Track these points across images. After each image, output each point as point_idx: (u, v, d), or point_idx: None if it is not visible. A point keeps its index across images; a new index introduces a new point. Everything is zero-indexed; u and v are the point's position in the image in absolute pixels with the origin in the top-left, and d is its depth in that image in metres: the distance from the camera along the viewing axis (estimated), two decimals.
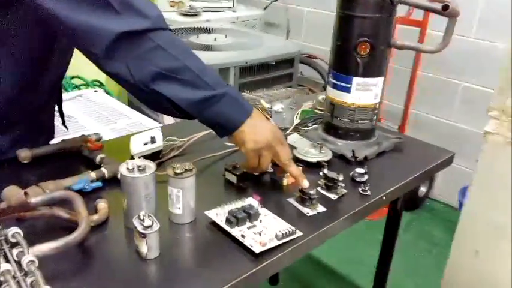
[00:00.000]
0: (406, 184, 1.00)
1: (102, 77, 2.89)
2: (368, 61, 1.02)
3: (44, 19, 0.77)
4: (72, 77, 2.77)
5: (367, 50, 1.01)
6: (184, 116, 0.83)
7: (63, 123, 1.17)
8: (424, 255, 2.08)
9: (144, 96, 0.81)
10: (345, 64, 1.05)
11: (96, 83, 2.90)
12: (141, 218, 0.68)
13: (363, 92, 1.05)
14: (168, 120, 1.90)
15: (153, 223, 0.68)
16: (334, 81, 1.08)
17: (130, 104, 2.20)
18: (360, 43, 1.00)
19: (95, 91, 2.32)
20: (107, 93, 2.81)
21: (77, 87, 2.81)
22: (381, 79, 1.06)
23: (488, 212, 1.03)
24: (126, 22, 0.75)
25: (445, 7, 0.87)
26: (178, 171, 0.76)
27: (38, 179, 0.83)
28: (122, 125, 1.90)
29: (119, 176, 0.75)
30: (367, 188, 0.92)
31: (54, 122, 1.15)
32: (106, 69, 0.79)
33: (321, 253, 2.04)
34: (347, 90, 1.06)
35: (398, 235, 1.26)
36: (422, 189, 2.39)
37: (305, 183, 0.86)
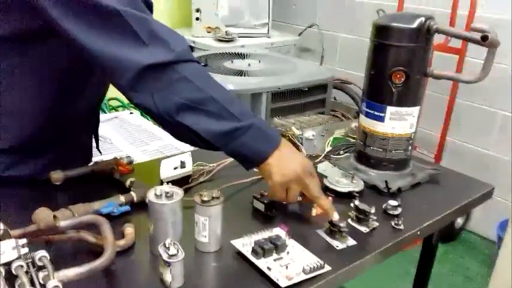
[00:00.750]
0: (442, 219, 0.95)
1: None
2: (403, 90, 1.00)
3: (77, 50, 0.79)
4: (110, 99, 2.86)
5: (402, 79, 0.98)
6: (210, 148, 0.82)
7: (97, 146, 1.20)
8: None
9: (170, 127, 0.81)
10: (378, 93, 1.03)
11: (132, 105, 2.97)
12: (167, 245, 0.67)
13: (397, 122, 1.03)
14: None
15: (178, 251, 0.67)
16: (367, 109, 1.06)
17: None
18: (394, 72, 0.98)
19: (131, 113, 2.38)
20: (142, 115, 2.88)
21: (114, 108, 2.90)
22: (416, 109, 1.03)
23: None
24: (152, 54, 0.75)
25: (485, 38, 0.84)
26: (206, 198, 0.75)
27: (70, 201, 0.85)
28: (154, 147, 1.93)
29: (147, 200, 0.74)
30: (400, 222, 0.89)
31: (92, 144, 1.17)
32: (132, 100, 0.79)
33: (349, 283, 1.96)
34: (381, 119, 1.03)
35: (431, 270, 1.20)
36: (459, 221, 2.30)
37: (335, 216, 0.83)
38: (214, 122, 0.78)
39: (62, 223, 0.70)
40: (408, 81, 0.99)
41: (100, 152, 1.24)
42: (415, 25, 0.96)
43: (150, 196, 0.73)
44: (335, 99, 2.77)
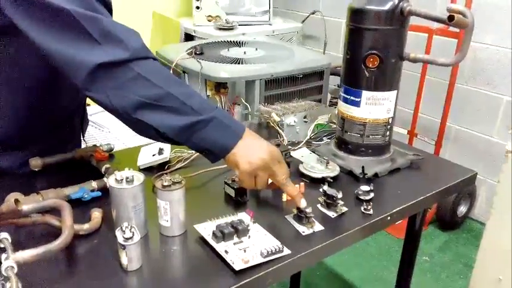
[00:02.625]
0: (416, 204, 0.94)
1: None
2: (378, 74, 0.99)
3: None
4: None
5: (376, 63, 0.97)
6: (173, 142, 0.82)
7: (83, 134, 1.22)
8: (459, 278, 1.95)
9: (129, 124, 0.80)
10: (354, 77, 1.02)
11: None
12: (123, 229, 0.69)
13: (373, 107, 1.01)
14: None
15: (133, 234, 0.68)
16: (345, 95, 1.05)
17: None
18: (368, 56, 0.97)
19: None
20: None
21: None
22: (393, 93, 1.02)
23: (509, 238, 0.95)
24: (106, 52, 0.75)
25: (450, 17, 0.82)
26: (166, 183, 0.76)
27: (47, 187, 0.87)
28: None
29: (107, 185, 0.76)
30: (369, 207, 0.88)
31: (87, 132, 1.19)
32: (89, 97, 0.80)
33: (346, 269, 1.98)
34: (357, 104, 1.02)
35: (416, 255, 1.18)
36: (462, 209, 2.26)
37: (302, 203, 0.83)
38: (174, 117, 0.77)
39: (24, 207, 0.72)
40: (383, 65, 0.98)
41: (85, 141, 1.25)
42: (387, 7, 0.94)
43: (111, 181, 0.74)
44: (338, 86, 2.75)
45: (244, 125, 0.85)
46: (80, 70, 0.75)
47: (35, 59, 0.88)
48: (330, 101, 2.56)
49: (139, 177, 0.76)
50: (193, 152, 1.08)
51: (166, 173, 0.99)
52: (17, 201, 0.71)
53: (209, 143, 0.80)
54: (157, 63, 0.82)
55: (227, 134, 0.81)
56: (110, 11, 0.85)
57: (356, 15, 0.98)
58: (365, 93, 1.00)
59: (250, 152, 0.82)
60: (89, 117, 1.24)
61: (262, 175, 0.83)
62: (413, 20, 0.98)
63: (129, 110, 0.77)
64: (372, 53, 0.96)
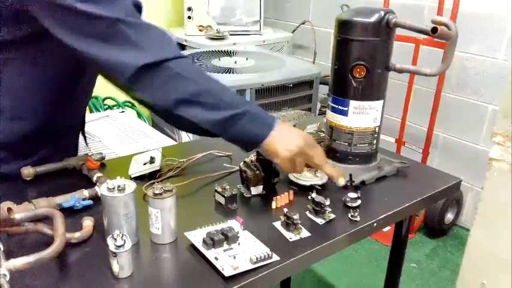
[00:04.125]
0: (402, 211, 0.97)
1: None
2: (364, 84, 1.01)
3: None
4: (105, 98, 2.90)
5: (363, 73, 1.00)
6: (211, 135, 0.88)
7: (86, 143, 1.24)
8: (447, 285, 1.98)
9: (170, 119, 0.88)
10: (342, 87, 1.04)
11: (128, 104, 3.02)
12: (115, 237, 0.70)
13: (360, 116, 1.04)
14: (186, 138, 1.94)
15: (125, 242, 0.70)
16: (333, 104, 1.07)
17: (154, 124, 2.27)
18: (355, 66, 1.00)
19: (122, 111, 2.41)
20: (139, 114, 2.92)
21: (110, 107, 2.94)
22: (379, 103, 1.04)
23: (492, 243, 0.97)
24: (146, 54, 0.81)
25: (434, 29, 0.85)
26: (157, 191, 0.77)
27: (38, 196, 0.88)
28: (142, 144, 1.96)
29: (99, 194, 0.77)
30: (356, 214, 0.90)
31: (79, 142, 1.21)
32: (133, 97, 0.86)
33: (335, 276, 2.00)
34: (344, 113, 1.05)
35: (403, 262, 1.20)
36: (449, 216, 2.29)
37: (341, 182, 0.92)
38: (211, 112, 0.83)
39: (17, 216, 0.73)
40: (369, 76, 1.00)
41: (88, 146, 1.28)
42: (373, 19, 0.97)
43: (103, 189, 0.76)
44: (328, 95, 2.78)
45: (276, 116, 0.91)
46: (124, 72, 0.81)
47: (51, 67, 0.92)
48: (320, 110, 2.60)
49: (131, 185, 0.77)
50: (184, 160, 1.10)
51: (157, 182, 1.00)
52: (9, 209, 0.72)
53: (245, 134, 0.87)
54: (190, 61, 0.89)
55: (260, 125, 0.87)
56: (141, 11, 0.90)
57: (343, 26, 1.01)
58: (352, 103, 1.03)
59: (287, 140, 0.88)
60: None
61: (300, 160, 0.90)
62: (401, 31, 1.01)
63: (170, 106, 0.83)
64: (358, 64, 0.99)
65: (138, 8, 0.89)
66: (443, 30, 0.85)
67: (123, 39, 0.81)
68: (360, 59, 1.00)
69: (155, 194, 0.77)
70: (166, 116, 0.88)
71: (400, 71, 1.03)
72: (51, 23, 0.81)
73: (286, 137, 0.88)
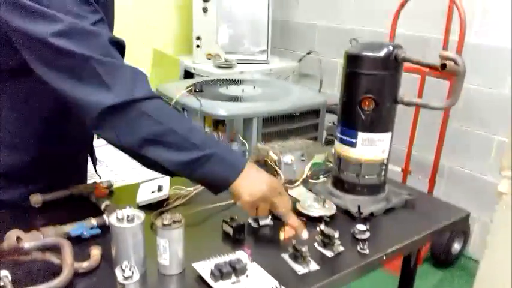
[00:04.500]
0: (410, 244, 0.96)
1: None
2: (373, 117, 1.02)
3: None
4: None
5: (371, 106, 1.01)
6: (178, 175, 0.86)
7: (95, 170, 1.24)
8: None
9: (136, 159, 0.85)
10: (350, 119, 1.05)
11: None
12: (123, 268, 0.69)
13: (368, 147, 1.04)
14: None
15: (133, 274, 0.69)
16: (341, 135, 1.08)
17: None
18: (364, 99, 1.01)
19: None
20: None
21: None
22: (388, 134, 1.05)
23: (502, 276, 0.96)
24: (114, 95, 0.79)
25: (443, 65, 0.86)
26: (166, 222, 0.77)
27: (46, 223, 0.88)
28: (150, 170, 1.96)
29: (107, 223, 0.77)
30: (365, 247, 0.89)
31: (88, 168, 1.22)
32: (97, 135, 0.85)
33: None
34: (353, 144, 1.05)
35: None
36: (456, 247, 2.26)
37: (304, 235, 0.87)
38: (176, 153, 0.81)
39: (26, 244, 0.73)
40: (378, 108, 1.01)
41: (98, 175, 1.28)
42: (382, 54, 0.98)
43: (111, 220, 0.76)
44: (333, 123, 2.79)
45: (244, 158, 0.89)
46: (90, 112, 0.80)
47: (47, 97, 0.92)
48: (326, 138, 2.60)
49: (140, 215, 0.77)
50: (192, 189, 1.10)
51: (165, 211, 1.00)
52: (18, 238, 0.72)
53: (211, 178, 0.85)
54: (161, 101, 0.86)
55: (228, 169, 0.85)
56: (123, 50, 0.90)
57: (352, 60, 1.02)
58: (361, 135, 1.03)
59: (251, 184, 0.86)
60: None
61: (264, 206, 0.88)
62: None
63: (135, 146, 0.81)
64: (367, 96, 1.00)
65: (120, 47, 0.88)
66: (451, 66, 0.86)
67: (92, 77, 0.79)
68: (368, 91, 1.01)
69: (164, 225, 0.77)
70: (131, 156, 0.85)
71: (409, 104, 1.04)
72: (27, 54, 0.81)
73: (251, 182, 0.85)
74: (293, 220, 0.88)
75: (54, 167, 1.03)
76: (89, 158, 1.21)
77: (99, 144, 2.18)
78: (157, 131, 0.81)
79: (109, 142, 0.84)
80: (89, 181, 1.18)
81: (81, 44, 0.78)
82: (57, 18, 0.77)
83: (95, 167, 1.24)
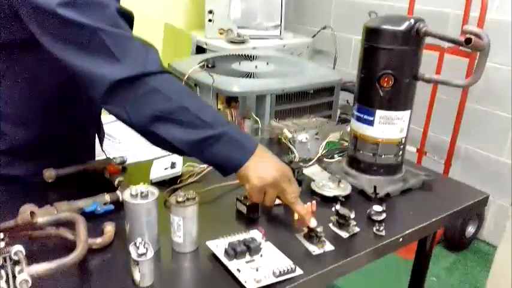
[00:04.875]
0: (428, 226, 0.94)
1: None
2: (392, 94, 0.99)
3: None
4: None
5: (390, 82, 0.97)
6: (187, 155, 0.84)
7: (101, 147, 1.23)
8: None
9: (145, 136, 0.82)
10: (368, 96, 1.02)
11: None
12: (137, 245, 0.69)
13: (386, 126, 1.01)
14: None
15: (147, 251, 0.68)
16: (358, 113, 1.05)
17: None
18: (382, 75, 0.97)
19: None
20: None
21: None
22: (406, 113, 1.02)
23: None
24: (124, 68, 0.77)
25: (468, 40, 0.82)
26: (180, 199, 0.76)
27: (59, 199, 0.87)
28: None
29: (121, 199, 0.76)
30: (381, 228, 0.88)
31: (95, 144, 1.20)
32: (106, 110, 0.82)
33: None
34: (370, 123, 1.02)
35: (426, 277, 1.17)
36: (470, 230, 2.24)
37: (312, 223, 0.83)
38: (187, 131, 0.79)
39: (40, 219, 0.72)
40: (397, 85, 0.98)
41: (104, 153, 1.26)
42: (403, 27, 0.94)
43: (125, 196, 0.75)
44: (347, 102, 2.75)
45: (256, 140, 0.86)
46: (99, 85, 0.77)
47: (52, 72, 0.90)
48: (339, 117, 2.57)
49: (154, 192, 0.76)
50: (205, 166, 1.09)
51: (179, 188, 0.99)
52: (32, 213, 0.71)
53: (221, 158, 0.82)
54: (171, 77, 0.84)
55: (238, 150, 0.82)
56: (131, 23, 0.87)
57: (371, 34, 0.99)
58: (379, 113, 1.00)
59: (262, 168, 0.83)
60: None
61: (272, 192, 0.85)
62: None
63: (145, 123, 0.79)
64: (386, 73, 0.97)
65: (128, 19, 0.85)
66: (476, 41, 0.82)
67: (102, 49, 0.77)
68: (388, 68, 0.97)
69: (178, 202, 0.76)
70: (140, 133, 0.83)
71: (429, 81, 1.00)
72: (35, 27, 0.79)
73: (262, 165, 0.83)
74: (301, 208, 0.85)
75: (61, 144, 1.02)
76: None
77: (111, 120, 2.18)
78: (168, 107, 0.78)
79: (118, 118, 0.81)
80: (97, 158, 1.17)
81: (89, 15, 0.76)
82: None
83: (101, 144, 1.22)
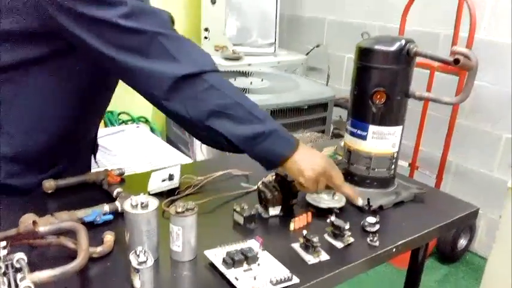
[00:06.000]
0: (420, 237, 0.96)
1: (148, 113, 3.05)
2: (384, 110, 1.02)
3: (98, 66, 0.87)
4: (120, 113, 2.94)
5: (383, 99, 1.01)
6: (237, 151, 0.89)
7: (95, 158, 1.25)
8: None
9: (200, 132, 0.88)
10: (361, 112, 1.05)
11: (142, 119, 3.05)
12: (137, 253, 0.70)
13: (379, 141, 1.05)
14: (200, 156, 1.95)
15: (147, 259, 0.70)
16: (352, 128, 1.08)
17: (168, 140, 2.29)
18: (375, 92, 1.01)
19: (138, 126, 2.44)
20: (152, 129, 2.95)
21: (124, 122, 2.97)
22: (398, 128, 1.05)
23: (510, 271, 0.96)
24: (183, 67, 0.83)
25: (457, 60, 0.86)
26: (180, 209, 0.78)
27: (59, 209, 0.89)
28: (157, 159, 1.98)
29: (120, 210, 0.78)
30: (375, 239, 0.90)
31: (97, 156, 1.23)
32: (166, 108, 0.86)
33: None
34: (363, 137, 1.06)
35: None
36: (462, 242, 2.27)
37: (359, 201, 0.95)
38: (241, 126, 0.85)
39: (41, 228, 0.74)
40: (389, 102, 1.01)
41: (97, 163, 1.28)
42: (394, 48, 0.98)
43: (126, 206, 0.77)
44: (340, 117, 2.80)
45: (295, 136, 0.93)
46: (162, 83, 0.83)
47: (65, 87, 0.93)
48: (332, 132, 2.61)
49: (154, 202, 0.78)
50: (202, 178, 1.11)
51: (177, 199, 1.01)
52: (34, 222, 0.73)
53: (270, 153, 0.88)
54: (222, 75, 0.90)
55: (285, 144, 0.89)
56: (173, 22, 0.93)
57: (364, 54, 1.02)
58: (371, 128, 1.04)
59: (311, 159, 0.91)
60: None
61: (323, 179, 0.92)
62: None
63: (202, 118, 0.85)
64: (379, 90, 1.00)
65: (172, 21, 0.91)
66: (464, 61, 0.86)
67: (161, 51, 0.83)
68: (380, 85, 1.01)
69: (177, 212, 0.78)
70: (196, 128, 0.88)
71: (420, 98, 1.04)
72: (93, 39, 0.82)
73: (310, 157, 0.90)
74: (349, 190, 0.95)
75: (67, 153, 1.04)
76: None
77: (108, 133, 2.20)
78: (225, 103, 0.84)
79: (176, 115, 0.86)
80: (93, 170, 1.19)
81: (148, 22, 0.83)
82: (121, 2, 0.81)
83: (95, 155, 1.24)
